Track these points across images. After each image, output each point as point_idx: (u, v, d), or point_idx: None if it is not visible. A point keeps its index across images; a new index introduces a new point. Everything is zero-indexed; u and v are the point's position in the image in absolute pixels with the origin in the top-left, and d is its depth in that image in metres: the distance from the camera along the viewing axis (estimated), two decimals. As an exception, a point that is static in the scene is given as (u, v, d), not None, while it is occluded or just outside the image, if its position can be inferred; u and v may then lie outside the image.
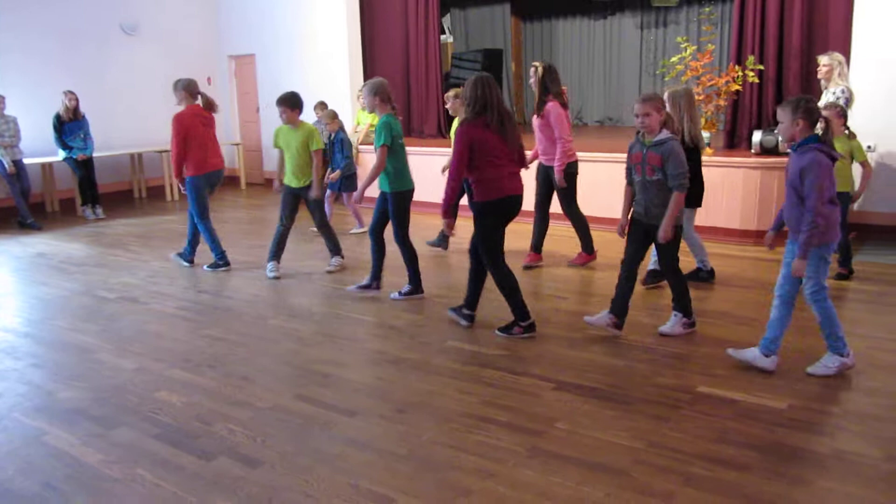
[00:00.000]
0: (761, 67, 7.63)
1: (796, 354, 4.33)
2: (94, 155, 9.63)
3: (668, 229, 4.45)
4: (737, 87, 7.58)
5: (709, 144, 7.66)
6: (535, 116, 6.23)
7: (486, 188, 4.58)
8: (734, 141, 8.16)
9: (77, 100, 9.38)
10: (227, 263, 6.72)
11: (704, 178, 5.68)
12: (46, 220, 9.46)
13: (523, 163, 4.84)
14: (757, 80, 7.62)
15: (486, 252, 4.69)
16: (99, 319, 5.42)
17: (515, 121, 4.83)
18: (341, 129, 7.99)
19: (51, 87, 9.85)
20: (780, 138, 7.10)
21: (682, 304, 4.73)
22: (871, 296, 5.45)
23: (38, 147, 9.63)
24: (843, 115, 5.68)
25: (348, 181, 7.98)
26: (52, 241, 8.25)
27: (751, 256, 6.66)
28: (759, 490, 2.94)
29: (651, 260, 5.77)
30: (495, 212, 4.63)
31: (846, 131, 5.75)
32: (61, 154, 9.43)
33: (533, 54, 13.95)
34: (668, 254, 4.67)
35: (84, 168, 9.51)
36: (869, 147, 7.10)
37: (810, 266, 3.94)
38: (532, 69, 6.24)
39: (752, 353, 4.16)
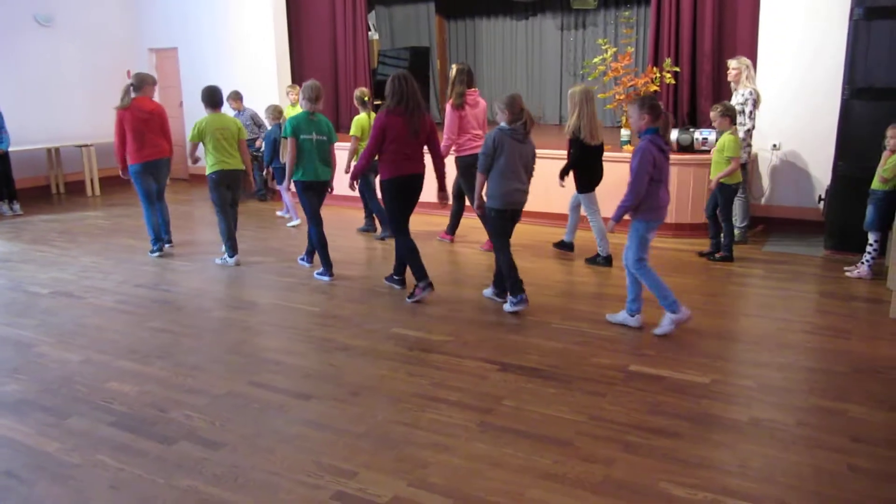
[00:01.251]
0: (677, 69, 8.10)
1: (714, 337, 4.71)
2: (10, 149, 9.30)
3: (475, 201, 5.47)
4: (654, 88, 8.02)
5: (629, 142, 8.08)
6: None
7: (389, 167, 5.33)
8: (652, 139, 8.62)
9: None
10: (160, 250, 7.03)
11: (609, 171, 6.78)
12: (-41, 216, 9.09)
13: (435, 152, 5.54)
14: (673, 82, 8.08)
15: (391, 221, 5.53)
16: (34, 314, 5.34)
17: (424, 113, 5.41)
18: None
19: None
20: (695, 136, 7.59)
21: (510, 283, 5.18)
22: (779, 282, 5.93)
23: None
24: (727, 115, 6.38)
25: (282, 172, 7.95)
26: (-30, 237, 7.96)
27: (669, 247, 7.08)
28: (689, 454, 3.25)
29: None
30: (396, 188, 5.37)
31: (732, 127, 6.42)
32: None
33: (457, 52, 14.20)
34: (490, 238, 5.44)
35: (0, 163, 9.17)
36: (774, 146, 7.68)
37: (632, 238, 4.72)
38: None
39: (623, 316, 4.90)
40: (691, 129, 7.74)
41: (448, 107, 6.65)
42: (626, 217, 4.76)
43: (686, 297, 5.46)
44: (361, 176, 6.46)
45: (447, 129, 6.64)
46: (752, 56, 7.52)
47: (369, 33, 11.54)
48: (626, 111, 8.20)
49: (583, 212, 6.73)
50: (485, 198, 5.38)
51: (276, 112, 8.45)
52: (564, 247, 6.90)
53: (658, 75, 7.97)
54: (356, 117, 7.44)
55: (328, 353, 4.52)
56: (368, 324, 5.01)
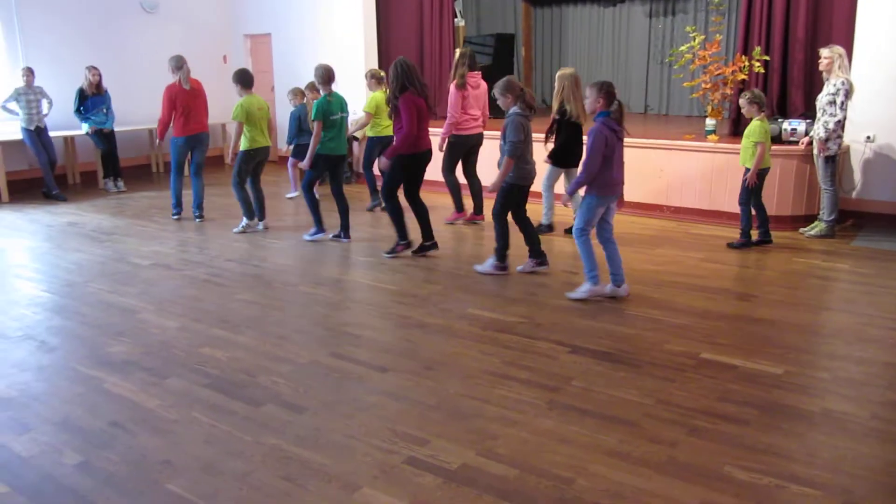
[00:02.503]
0: (767, 58, 7.90)
1: (792, 329, 4.66)
2: (115, 129, 9.92)
3: (497, 184, 5.68)
4: (743, 77, 7.86)
5: (714, 132, 7.96)
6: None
7: (411, 144, 5.97)
8: (738, 129, 8.42)
9: (100, 75, 9.65)
10: (179, 213, 8.06)
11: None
12: (69, 192, 9.76)
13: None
14: (763, 71, 7.90)
15: (385, 185, 6.20)
16: (137, 283, 5.75)
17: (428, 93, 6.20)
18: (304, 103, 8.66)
19: (74, 63, 10.11)
20: (783, 127, 7.42)
21: (498, 248, 5.81)
22: (865, 278, 5.77)
23: (62, 121, 9.89)
24: (756, 103, 6.43)
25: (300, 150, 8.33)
26: (79, 212, 8.56)
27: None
28: (756, 441, 3.28)
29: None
30: (412, 161, 6.08)
31: (761, 114, 6.46)
32: (84, 127, 9.71)
33: (543, 40, 14.19)
34: (497, 203, 5.77)
35: (107, 142, 9.80)
36: (868, 137, 7.41)
37: (582, 209, 5.15)
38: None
39: (586, 288, 5.22)
40: (780, 120, 7.57)
41: (452, 87, 7.18)
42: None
43: (763, 289, 5.43)
44: (380, 146, 7.77)
45: (451, 107, 7.16)
46: (848, 46, 7.27)
47: (455, 20, 11.68)
48: (713, 100, 8.10)
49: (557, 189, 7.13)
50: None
51: (298, 93, 8.79)
52: (545, 230, 7.15)
53: (746, 64, 7.81)
54: (371, 94, 8.03)
55: (405, 329, 4.72)
56: (444, 303, 5.19)
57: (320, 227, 7.00)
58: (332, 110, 6.61)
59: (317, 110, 6.54)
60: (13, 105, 9.11)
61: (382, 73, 7.98)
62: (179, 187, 8.05)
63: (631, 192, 8.07)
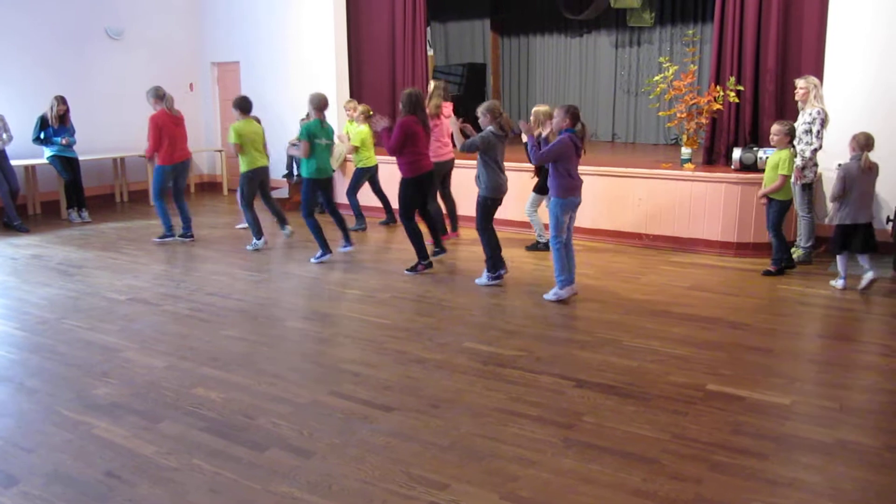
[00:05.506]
0: (741, 88, 8.05)
1: (789, 357, 4.67)
2: (79, 158, 9.62)
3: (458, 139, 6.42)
4: (718, 106, 7.99)
5: (689, 160, 8.05)
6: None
7: (412, 167, 6.57)
8: (712, 157, 8.56)
9: (67, 107, 9.36)
10: (171, 236, 8.22)
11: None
12: (30, 223, 9.41)
13: None
14: (737, 101, 8.04)
15: (404, 209, 6.68)
16: (115, 320, 5.51)
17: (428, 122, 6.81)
18: None
19: (35, 89, 9.83)
20: (758, 155, 7.54)
21: (488, 259, 6.35)
22: (849, 304, 5.85)
23: (22, 149, 9.54)
24: (790, 134, 6.55)
25: None
26: (44, 244, 8.23)
27: (732, 266, 7.03)
28: (777, 475, 3.24)
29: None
30: (417, 184, 6.63)
31: (791, 147, 6.60)
32: (47, 152, 9.38)
33: (511, 69, 14.31)
34: (477, 219, 6.36)
35: (71, 171, 9.48)
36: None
37: (550, 215, 5.81)
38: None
39: (554, 291, 5.87)
40: (754, 148, 7.69)
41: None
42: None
43: (754, 317, 5.46)
44: (368, 175, 8.78)
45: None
46: (818, 74, 7.45)
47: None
48: (688, 129, 8.21)
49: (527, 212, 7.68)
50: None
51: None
52: (543, 247, 7.57)
53: (721, 94, 7.94)
54: (358, 130, 8.71)
55: (404, 365, 4.59)
56: (439, 337, 5.07)
57: (326, 249, 7.22)
58: (318, 134, 7.02)
59: (304, 130, 6.97)
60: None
61: (371, 112, 8.60)
62: (167, 210, 8.21)
63: (610, 221, 8.15)
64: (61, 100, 9.28)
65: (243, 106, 7.66)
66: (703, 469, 3.29)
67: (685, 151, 8.14)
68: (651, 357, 4.67)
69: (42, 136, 9.28)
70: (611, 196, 8.14)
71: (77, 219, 9.62)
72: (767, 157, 7.43)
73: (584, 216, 8.00)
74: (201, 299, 6.05)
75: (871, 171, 6.14)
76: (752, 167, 7.60)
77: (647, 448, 3.49)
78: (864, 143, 6.13)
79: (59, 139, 9.26)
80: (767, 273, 6.66)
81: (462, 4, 13.61)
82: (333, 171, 7.47)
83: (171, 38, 12.02)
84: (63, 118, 9.35)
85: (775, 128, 6.57)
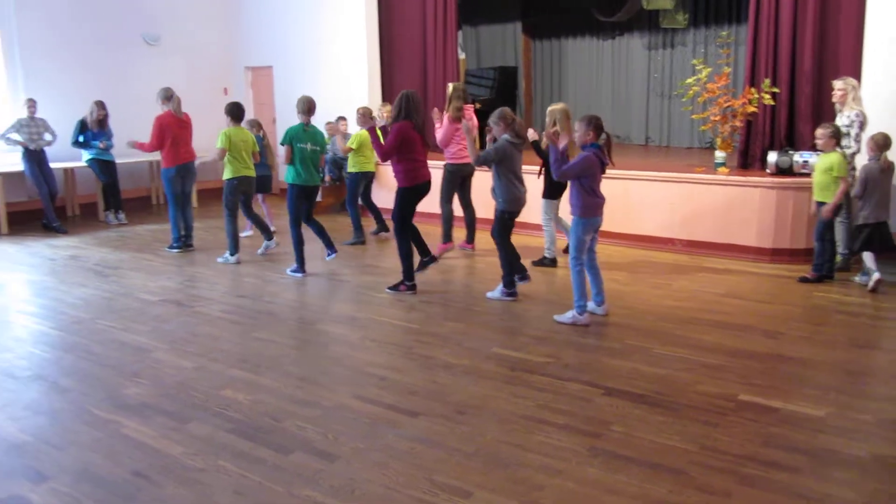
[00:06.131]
0: (777, 90, 7.91)
1: (825, 368, 4.56)
2: (117, 161, 9.79)
3: (474, 155, 6.05)
4: (752, 109, 7.85)
5: (724, 164, 7.93)
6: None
7: (408, 176, 6.10)
8: (747, 161, 8.41)
9: (106, 112, 9.54)
10: (180, 247, 8.01)
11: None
12: (69, 224, 9.59)
13: None
14: (773, 103, 7.89)
15: (398, 221, 6.19)
16: (147, 320, 5.59)
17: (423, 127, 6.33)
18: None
19: (75, 94, 10.02)
20: (794, 159, 7.39)
21: (505, 274, 6.04)
22: (888, 312, 5.71)
23: (61, 151, 9.73)
24: (835, 136, 6.37)
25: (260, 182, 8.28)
26: (81, 245, 8.39)
27: (767, 273, 6.90)
28: (811, 490, 3.16)
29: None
30: (413, 194, 6.16)
31: (839, 149, 6.41)
32: (85, 156, 9.57)
33: (542, 73, 14.22)
34: (494, 232, 6.06)
35: (109, 174, 9.66)
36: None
37: (571, 235, 5.50)
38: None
39: (571, 315, 5.41)
40: (790, 152, 7.55)
41: (445, 118, 7.47)
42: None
43: (788, 326, 5.34)
44: (364, 181, 8.40)
45: (441, 137, 7.46)
46: (856, 75, 7.28)
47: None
48: (722, 133, 8.09)
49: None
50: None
51: (255, 124, 8.78)
52: (549, 263, 7.18)
53: (756, 96, 7.81)
54: (356, 133, 8.40)
55: (430, 370, 4.58)
56: (467, 342, 5.06)
57: (301, 266, 6.90)
58: (301, 138, 6.73)
59: (286, 135, 6.73)
60: (15, 135, 8.97)
61: (372, 114, 8.20)
62: (180, 220, 8.04)
63: (641, 225, 8.06)
64: (101, 105, 9.48)
65: (235, 113, 7.41)
66: (732, 482, 3.23)
67: (719, 155, 8.01)
68: (681, 365, 4.60)
69: (81, 139, 9.47)
70: (642, 200, 8.04)
71: (114, 221, 9.78)
72: (804, 161, 7.31)
73: (615, 220, 7.92)
74: (232, 301, 6.11)
75: (890, 170, 6.21)
76: (787, 171, 7.45)
77: (676, 459, 3.43)
78: (882, 143, 6.25)
79: (97, 142, 9.45)
80: (804, 280, 6.53)
81: (493, 8, 13.56)
82: (320, 181, 7.11)
83: (205, 43, 12.18)
84: (102, 122, 9.54)
85: (819, 132, 6.45)
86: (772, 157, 7.63)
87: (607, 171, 5.49)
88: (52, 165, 9.40)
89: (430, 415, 3.92)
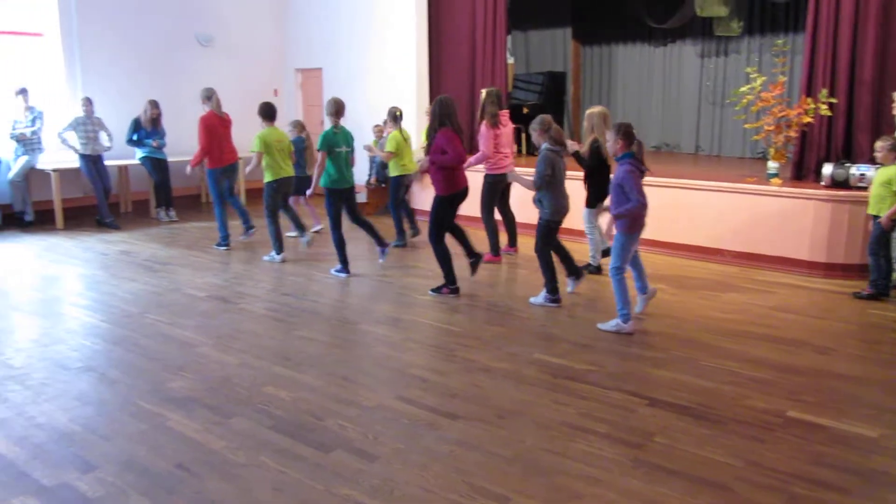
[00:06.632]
0: (835, 100, 7.70)
1: (879, 387, 4.41)
2: (169, 159, 10.00)
3: (518, 179, 6.10)
4: (808, 119, 7.66)
5: (777, 175, 7.74)
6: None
7: (447, 183, 6.11)
8: (801, 172, 8.20)
9: (160, 111, 9.76)
10: (227, 245, 8.15)
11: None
12: (122, 221, 9.82)
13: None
14: (829, 114, 7.69)
15: (435, 228, 6.19)
16: (194, 316, 5.69)
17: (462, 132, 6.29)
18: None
19: (131, 93, 10.29)
20: (850, 172, 7.19)
21: (547, 282, 6.00)
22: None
23: (116, 150, 9.97)
24: (895, 149, 6.19)
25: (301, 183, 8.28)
26: (133, 241, 8.59)
27: (819, 287, 6.71)
28: (862, 511, 3.06)
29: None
30: (450, 202, 6.19)
31: None
32: (139, 154, 9.80)
33: (592, 78, 14.11)
34: (537, 241, 6.01)
35: (161, 172, 9.87)
36: None
37: (615, 249, 5.31)
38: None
39: (615, 323, 5.35)
40: (847, 164, 7.34)
41: (483, 126, 7.30)
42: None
43: (841, 342, 5.19)
44: (406, 184, 8.34)
45: (483, 144, 7.28)
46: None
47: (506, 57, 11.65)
48: (776, 143, 7.91)
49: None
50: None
51: (297, 125, 8.69)
52: (594, 270, 7.06)
53: (812, 106, 7.61)
54: (390, 134, 8.21)
55: (471, 373, 4.55)
56: (509, 347, 5.02)
57: (345, 266, 6.95)
58: (336, 142, 6.71)
59: (322, 141, 6.66)
60: (69, 135, 9.22)
61: (399, 112, 8.26)
62: (226, 218, 8.19)
63: (690, 235, 7.92)
64: (154, 104, 9.70)
65: (268, 113, 7.44)
66: (778, 500, 3.14)
67: (772, 165, 7.83)
68: (728, 378, 4.50)
69: (135, 137, 9.70)
70: (692, 209, 7.90)
71: (165, 217, 9.99)
72: (861, 174, 7.10)
73: (664, 229, 7.81)
74: (277, 299, 6.18)
75: None
76: (843, 184, 7.24)
77: (720, 474, 3.34)
78: None
79: (150, 141, 9.66)
80: (859, 296, 6.33)
81: (543, 13, 13.50)
82: (354, 181, 6.94)
83: (256, 45, 12.39)
84: (155, 121, 9.76)
85: (879, 144, 6.29)
86: (827, 168, 7.43)
87: (655, 178, 5.37)
88: (107, 163, 9.64)
89: (471, 418, 3.90)
